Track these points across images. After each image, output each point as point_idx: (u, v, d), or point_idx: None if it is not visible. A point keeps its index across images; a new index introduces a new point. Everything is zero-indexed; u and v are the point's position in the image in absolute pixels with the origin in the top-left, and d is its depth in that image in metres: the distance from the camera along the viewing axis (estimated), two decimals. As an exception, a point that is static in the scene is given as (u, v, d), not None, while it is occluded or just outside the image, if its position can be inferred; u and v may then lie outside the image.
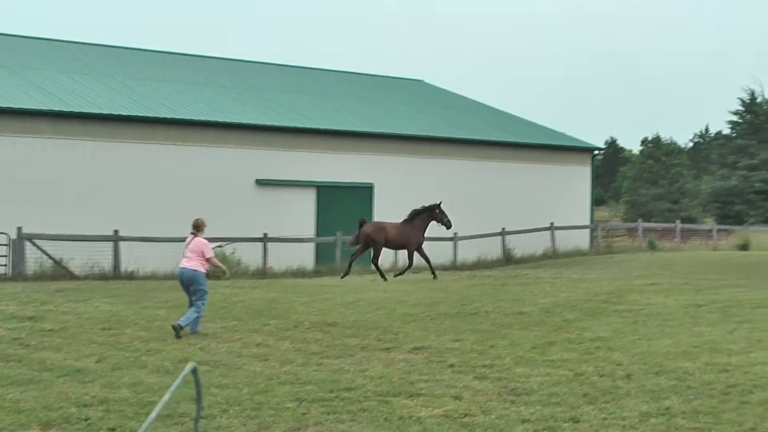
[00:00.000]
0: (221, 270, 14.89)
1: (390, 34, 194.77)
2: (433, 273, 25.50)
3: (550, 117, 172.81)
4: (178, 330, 13.66)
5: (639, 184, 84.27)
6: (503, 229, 37.16)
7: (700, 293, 19.13)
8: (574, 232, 39.76)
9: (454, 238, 35.19)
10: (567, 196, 42.00)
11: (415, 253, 25.91)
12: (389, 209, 35.83)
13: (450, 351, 12.22)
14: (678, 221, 48.24)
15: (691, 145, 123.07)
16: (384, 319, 15.73)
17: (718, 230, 50.04)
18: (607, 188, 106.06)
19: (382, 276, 24.54)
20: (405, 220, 26.00)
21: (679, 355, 11.52)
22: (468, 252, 35.77)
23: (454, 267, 33.95)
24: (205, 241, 14.69)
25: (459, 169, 38.81)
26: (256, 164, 33.62)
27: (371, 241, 25.16)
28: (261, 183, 33.58)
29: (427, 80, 55.23)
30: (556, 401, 9.15)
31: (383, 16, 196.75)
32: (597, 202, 68.41)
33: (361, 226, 25.49)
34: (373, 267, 25.87)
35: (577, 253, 37.73)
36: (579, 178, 43.02)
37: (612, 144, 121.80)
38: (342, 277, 25.09)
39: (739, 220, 74.05)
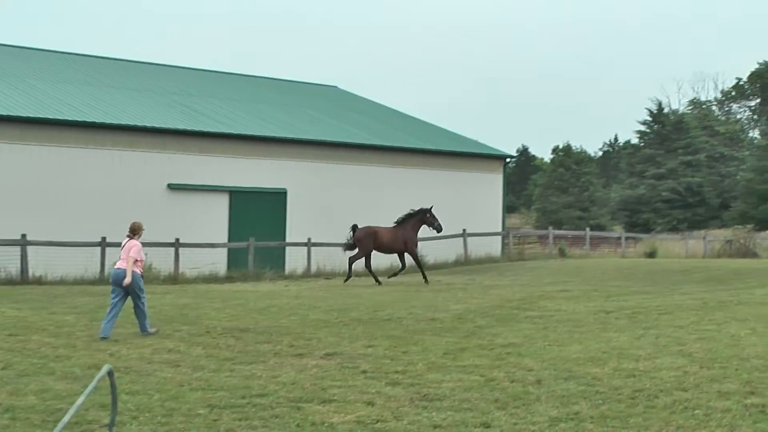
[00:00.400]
0: (131, 275, 14.84)
1: (304, 38, 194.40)
2: (425, 277, 25.92)
3: (464, 125, 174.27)
4: (149, 335, 14.08)
5: (550, 191, 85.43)
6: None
7: (608, 300, 19.46)
8: (487, 239, 40.12)
9: (367, 245, 35.25)
10: (479, 203, 42.37)
11: (403, 254, 26.64)
12: (303, 215, 35.85)
13: (363, 357, 12.23)
14: (588, 229, 49.06)
15: (600, 154, 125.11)
16: (297, 324, 15.70)
17: (627, 238, 50.98)
18: (519, 196, 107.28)
19: (374, 277, 25.52)
20: (397, 224, 26.59)
21: (588, 361, 11.69)
22: (381, 258, 35.84)
23: (367, 273, 33.99)
24: (138, 243, 14.77)
25: (372, 175, 38.92)
26: (168, 168, 33.28)
27: (362, 245, 25.76)
28: (173, 187, 33.24)
29: (341, 86, 55.30)
30: (467, 407, 9.21)
31: (296, 18, 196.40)
32: (509, 209, 69.15)
33: (354, 230, 26.13)
34: (352, 265, 26.53)
35: (490, 260, 38.10)
36: (491, 185, 43.43)
37: (524, 152, 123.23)
38: (345, 281, 25.77)
39: (646, 228, 75.56)
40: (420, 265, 26.49)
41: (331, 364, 11.67)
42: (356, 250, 26.24)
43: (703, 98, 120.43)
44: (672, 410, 9.00)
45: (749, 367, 11.11)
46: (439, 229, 27.12)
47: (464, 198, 41.70)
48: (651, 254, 42.73)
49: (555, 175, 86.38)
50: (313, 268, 33.56)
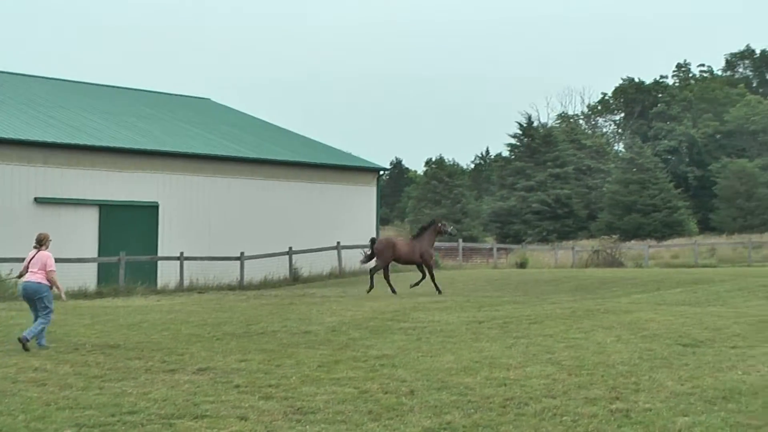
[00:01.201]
0: (59, 290, 14.71)
1: (176, 50, 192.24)
2: (436, 287, 26.16)
3: (338, 137, 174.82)
4: (24, 342, 13.76)
5: (423, 203, 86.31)
6: (290, 248, 37.24)
7: (481, 310, 19.72)
8: (361, 251, 40.21)
9: (240, 258, 35.02)
10: (353, 215, 42.49)
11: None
12: (176, 229, 35.37)
13: (236, 371, 12.12)
14: (460, 240, 49.64)
15: (472, 166, 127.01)
16: (169, 340, 15.47)
17: (498, 249, 51.86)
18: (393, 208, 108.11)
19: (390, 287, 26.11)
20: (414, 236, 27.33)
21: (460, 371, 11.84)
22: (255, 271, 35.66)
23: (240, 287, 33.75)
24: (50, 254, 14.74)
25: (247, 188, 38.64)
26: (34, 182, 32.43)
27: (381, 256, 26.26)
28: (40, 201, 32.41)
29: (214, 99, 54.82)
30: (341, 419, 9.23)
31: (169, 31, 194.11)
32: (383, 221, 69.60)
33: (373, 243, 26.94)
34: (370, 274, 27.12)
35: (364, 272, 38.16)
36: (365, 197, 43.60)
37: (397, 164, 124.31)
38: (368, 291, 26.09)
39: (517, 239, 76.95)
40: (432, 276, 26.76)
41: (204, 380, 11.54)
42: (375, 261, 26.78)
43: (570, 112, 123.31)
44: (541, 417, 9.20)
45: (614, 374, 11.44)
46: (453, 233, 28.69)
47: (338, 210, 41.77)
48: (522, 265, 43.54)
49: (428, 187, 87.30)
50: (186, 283, 33.16)
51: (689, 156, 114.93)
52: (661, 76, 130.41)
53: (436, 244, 46.52)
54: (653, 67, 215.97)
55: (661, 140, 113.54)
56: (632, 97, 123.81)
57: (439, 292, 25.88)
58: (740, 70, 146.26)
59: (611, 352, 13.27)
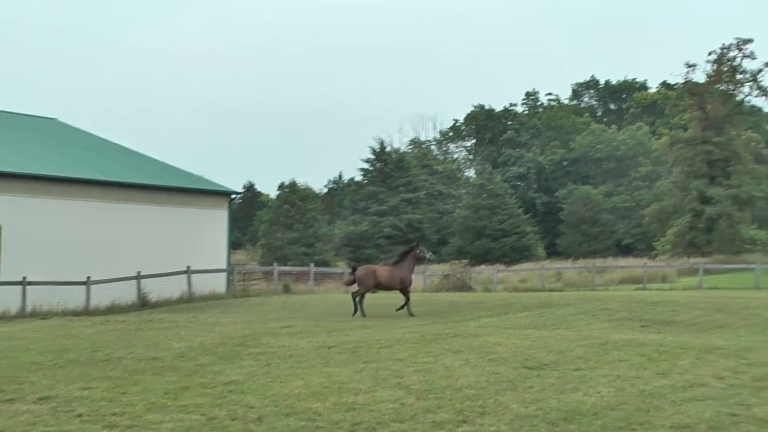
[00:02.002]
0: None
1: (20, 69, 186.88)
2: (409, 311, 26.61)
3: (189, 161, 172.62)
4: None
5: (275, 228, 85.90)
6: (139, 272, 36.52)
7: (331, 335, 19.70)
8: (211, 275, 39.78)
9: (86, 282, 34.17)
10: (204, 239, 41.94)
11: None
12: (19, 252, 34.25)
13: (78, 400, 11.78)
14: (312, 264, 49.62)
15: (325, 190, 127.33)
16: (7, 368, 14.92)
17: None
18: (245, 232, 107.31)
19: (361, 310, 26.41)
20: (394, 263, 27.87)
21: (309, 396, 11.79)
22: (102, 296, 34.79)
23: (86, 312, 32.89)
24: None
25: (95, 210, 37.73)
26: None
27: (362, 283, 26.98)
28: None
29: (60, 119, 53.40)
30: (187, 447, 9.08)
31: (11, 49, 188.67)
32: (234, 245, 68.96)
33: (353, 270, 27.85)
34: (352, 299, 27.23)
35: (214, 297, 37.77)
36: (216, 221, 43.10)
37: (250, 188, 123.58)
38: (353, 315, 26.31)
39: (369, 263, 77.29)
40: (408, 300, 27.24)
41: (44, 409, 11.17)
42: (357, 286, 27.29)
43: (423, 138, 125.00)
44: (388, 442, 9.24)
45: (461, 397, 11.59)
46: (431, 259, 29.84)
47: (189, 234, 41.17)
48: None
49: (280, 211, 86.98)
50: (29, 308, 32.14)
51: (537, 182, 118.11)
52: (511, 104, 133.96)
53: (282, 268, 46.74)
54: (503, 94, 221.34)
55: (510, 166, 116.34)
56: (483, 124, 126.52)
57: (411, 314, 26.36)
58: (586, 99, 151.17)
59: (459, 375, 13.44)
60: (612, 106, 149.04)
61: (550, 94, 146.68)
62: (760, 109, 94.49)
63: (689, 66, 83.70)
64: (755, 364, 14.56)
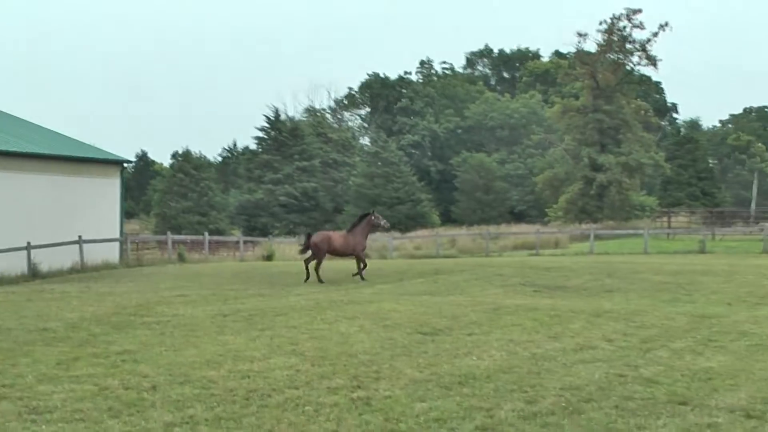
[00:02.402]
0: None
1: None
2: (361, 276, 27.02)
3: (80, 130, 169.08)
4: None
5: (169, 197, 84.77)
6: (28, 243, 35.70)
7: (226, 303, 19.61)
8: (104, 245, 39.11)
9: (-26, 253, 33.29)
10: (96, 209, 41.13)
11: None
12: None
13: (-34, 372, 11.51)
14: (207, 233, 49.16)
15: (220, 159, 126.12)
16: None
17: (245, 242, 51.71)
18: (138, 201, 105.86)
19: (318, 277, 26.51)
20: (349, 230, 28.05)
21: (204, 364, 11.73)
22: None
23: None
24: None
25: (-20, 180, 36.68)
26: None
27: (317, 248, 27.04)
28: None
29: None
30: (79, 417, 8.96)
31: None
32: (128, 215, 68.00)
33: (308, 237, 27.65)
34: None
35: (107, 267, 37.15)
36: (108, 190, 42.30)
37: (143, 157, 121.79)
38: (305, 281, 26.34)
39: (264, 231, 77.13)
40: (363, 265, 27.58)
41: (-72, 382, 10.88)
42: (310, 253, 27.43)
43: (317, 106, 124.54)
44: (284, 408, 9.27)
45: (356, 363, 11.67)
46: (386, 226, 29.18)
47: (80, 204, 40.33)
48: (268, 257, 43.57)
49: (174, 180, 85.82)
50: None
51: (432, 150, 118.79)
52: (406, 72, 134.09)
53: (176, 237, 46.23)
54: (398, 63, 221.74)
55: (405, 135, 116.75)
56: (377, 93, 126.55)
57: (363, 279, 26.71)
58: (480, 68, 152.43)
59: (354, 342, 13.51)
60: (505, 75, 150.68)
61: (444, 62, 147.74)
62: (649, 78, 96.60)
63: (580, 35, 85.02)
64: (643, 327, 14.98)
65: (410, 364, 11.54)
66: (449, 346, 13.07)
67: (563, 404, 9.44)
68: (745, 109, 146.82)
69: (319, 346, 13.08)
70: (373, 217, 28.20)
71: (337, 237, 27.73)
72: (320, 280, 26.61)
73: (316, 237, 27.56)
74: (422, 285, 24.44)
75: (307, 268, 27.22)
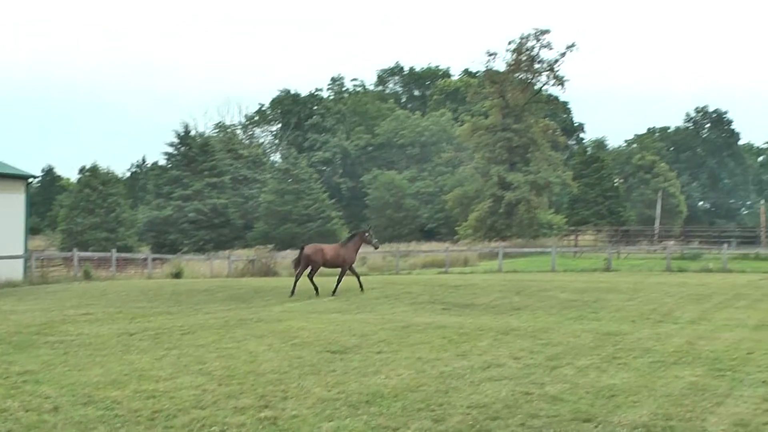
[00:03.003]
0: None
1: None
2: (361, 286, 27.87)
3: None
4: None
5: (76, 212, 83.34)
6: (-72, 259, 34.76)
7: (133, 322, 19.31)
8: (7, 262, 38.30)
9: None
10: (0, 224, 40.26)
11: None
12: None
13: None
14: (114, 250, 48.42)
15: (128, 174, 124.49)
16: None
17: (153, 259, 51.04)
18: (44, 217, 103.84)
19: (316, 290, 27.01)
20: (341, 243, 28.80)
21: (108, 384, 11.52)
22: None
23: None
24: None
25: None
26: None
27: (311, 261, 27.47)
28: None
29: None
30: (-23, 440, 8.74)
31: None
32: (33, 231, 66.58)
33: (302, 249, 27.98)
34: (308, 280, 27.57)
35: (9, 284, 36.31)
36: (12, 206, 41.44)
37: (49, 172, 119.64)
38: (291, 296, 26.54)
39: (173, 248, 76.16)
40: (340, 280, 28.24)
41: None
42: (308, 266, 27.73)
43: (228, 122, 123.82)
44: (190, 429, 9.16)
45: (264, 382, 11.58)
46: (376, 245, 30.31)
47: (-18, 219, 39.44)
48: (177, 275, 43.10)
49: (81, 195, 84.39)
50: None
51: (342, 167, 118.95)
52: (317, 89, 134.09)
53: (82, 254, 45.41)
54: (309, 79, 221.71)
55: (316, 151, 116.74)
56: (288, 109, 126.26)
57: (334, 294, 26.98)
58: (391, 85, 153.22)
59: (262, 360, 13.42)
60: (416, 93, 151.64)
61: (355, 79, 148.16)
62: (556, 98, 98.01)
63: (490, 54, 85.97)
64: (550, 344, 15.15)
65: (318, 383, 11.50)
66: (358, 364, 13.05)
67: (470, 422, 9.49)
68: (649, 129, 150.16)
69: (226, 365, 12.95)
70: (366, 234, 28.82)
71: (329, 249, 28.26)
72: (315, 290, 27.07)
73: (309, 249, 27.99)
74: (332, 303, 24.40)
75: (312, 282, 27.53)
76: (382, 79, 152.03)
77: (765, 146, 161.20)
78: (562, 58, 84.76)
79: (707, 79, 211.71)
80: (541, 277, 36.33)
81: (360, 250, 30.36)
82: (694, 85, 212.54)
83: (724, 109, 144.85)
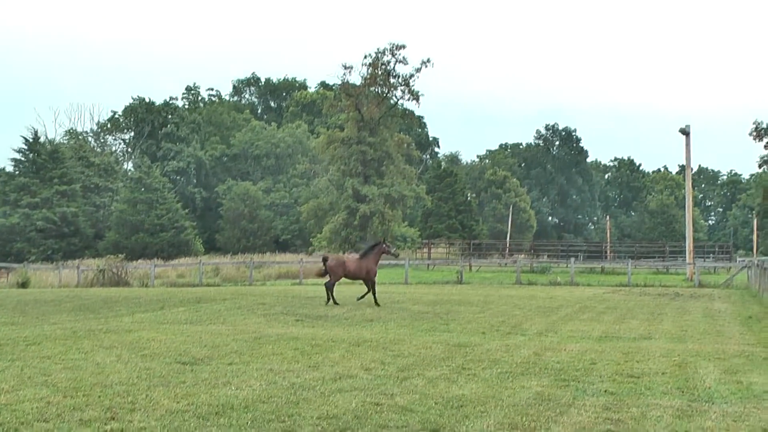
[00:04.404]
0: None
1: None
2: (375, 301, 27.70)
3: None
4: None
5: None
6: None
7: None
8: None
9: None
10: None
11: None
12: None
13: None
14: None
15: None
16: None
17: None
18: None
19: (333, 299, 27.41)
20: (362, 256, 29.06)
21: (-54, 398, 11.11)
22: None
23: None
24: None
25: None
26: None
27: (332, 272, 27.98)
28: None
29: None
30: None
31: None
32: None
33: (325, 260, 28.65)
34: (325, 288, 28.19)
35: None
36: None
37: None
38: (326, 304, 27.13)
39: (20, 257, 73.90)
40: (374, 291, 28.36)
41: None
42: (328, 276, 28.10)
43: (79, 129, 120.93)
44: (31, 442, 8.90)
45: (111, 393, 11.35)
46: (396, 255, 32.22)
47: None
48: (23, 284, 41.95)
49: None
50: None
51: (197, 177, 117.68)
52: (171, 98, 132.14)
53: None
54: (164, 88, 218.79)
55: (169, 161, 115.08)
56: (142, 117, 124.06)
57: (377, 305, 27.21)
58: (247, 96, 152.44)
59: (110, 372, 13.15)
60: (272, 104, 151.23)
61: (211, 89, 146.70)
62: (412, 112, 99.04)
63: (346, 68, 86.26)
64: (400, 356, 15.30)
65: (167, 395, 11.33)
66: (208, 375, 12.93)
67: (320, 433, 9.52)
68: (500, 145, 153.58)
69: (72, 377, 12.64)
70: (384, 245, 29.43)
71: (351, 262, 28.85)
72: (333, 301, 27.47)
73: (332, 261, 28.73)
74: (184, 314, 24.12)
75: (329, 292, 27.86)
76: (238, 90, 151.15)
77: (611, 164, 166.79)
78: (418, 73, 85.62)
79: (556, 98, 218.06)
80: (394, 289, 36.69)
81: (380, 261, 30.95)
82: (545, 103, 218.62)
83: (573, 127, 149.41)
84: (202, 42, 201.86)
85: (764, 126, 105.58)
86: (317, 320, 22.54)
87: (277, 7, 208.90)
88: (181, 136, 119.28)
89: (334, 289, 28.40)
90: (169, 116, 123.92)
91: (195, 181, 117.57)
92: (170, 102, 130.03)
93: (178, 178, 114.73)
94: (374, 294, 28.42)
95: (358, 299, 28.55)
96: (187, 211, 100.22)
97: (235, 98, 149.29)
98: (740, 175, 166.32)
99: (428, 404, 10.98)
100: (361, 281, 29.65)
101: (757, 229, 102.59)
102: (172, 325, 20.64)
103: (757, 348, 17.40)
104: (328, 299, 27.90)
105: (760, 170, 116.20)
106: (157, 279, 51.37)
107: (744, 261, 61.12)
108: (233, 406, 10.68)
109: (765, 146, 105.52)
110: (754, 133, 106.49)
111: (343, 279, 28.92)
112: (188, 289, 38.35)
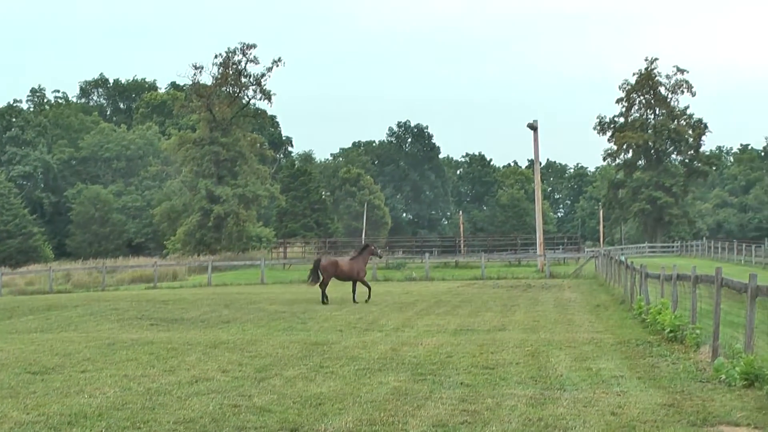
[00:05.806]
0: None
1: None
2: (369, 296, 29.25)
3: None
4: None
5: None
6: None
7: None
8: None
9: None
10: None
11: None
12: None
13: None
14: None
15: None
16: None
17: None
18: None
19: (325, 298, 28.39)
20: (353, 258, 30.85)
21: None
22: None
23: None
24: None
25: None
26: None
27: (324, 271, 29.08)
28: None
29: None
30: None
31: None
32: None
33: (318, 261, 30.24)
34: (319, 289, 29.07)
35: None
36: None
37: None
38: (323, 303, 27.95)
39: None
40: (368, 286, 30.13)
41: None
42: (321, 277, 29.06)
43: None
44: None
45: (-43, 408, 10.95)
46: (380, 256, 35.93)
47: None
48: None
49: None
50: None
51: (44, 182, 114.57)
52: (15, 100, 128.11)
53: None
54: (7, 90, 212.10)
55: (15, 165, 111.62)
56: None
57: (368, 299, 28.95)
58: (95, 98, 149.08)
59: (-46, 386, 12.68)
60: (121, 106, 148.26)
61: (57, 91, 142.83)
62: (264, 112, 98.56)
63: (197, 68, 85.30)
64: (258, 356, 15.24)
65: (16, 406, 10.98)
66: (60, 384, 12.60)
67: (177, 438, 9.39)
68: (354, 144, 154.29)
69: None
70: (372, 248, 32.01)
71: (344, 263, 30.07)
72: (326, 300, 28.29)
73: (325, 261, 30.10)
74: (33, 322, 23.50)
75: (323, 291, 28.59)
76: (85, 91, 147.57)
77: (462, 159, 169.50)
78: (269, 73, 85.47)
79: (408, 95, 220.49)
80: (251, 290, 36.55)
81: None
82: (397, 100, 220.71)
83: (424, 124, 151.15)
84: (46, 44, 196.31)
85: (607, 121, 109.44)
86: (172, 324, 22.27)
87: (125, 6, 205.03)
88: (27, 140, 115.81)
89: (312, 287, 29.82)
90: (14, 119, 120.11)
91: (43, 185, 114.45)
92: (14, 105, 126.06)
93: (24, 183, 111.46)
94: (369, 290, 29.65)
95: (361, 301, 28.89)
96: (35, 216, 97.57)
97: (83, 100, 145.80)
98: (586, 168, 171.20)
99: (286, 404, 10.95)
100: (348, 281, 30.36)
101: (603, 220, 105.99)
102: (20, 335, 20.09)
103: (605, 335, 18.00)
104: (324, 299, 28.52)
105: (605, 163, 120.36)
106: (5, 287, 49.70)
107: (592, 251, 63.15)
108: (86, 414, 10.42)
109: (608, 140, 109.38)
110: (599, 128, 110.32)
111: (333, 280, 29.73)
112: (38, 297, 37.36)
